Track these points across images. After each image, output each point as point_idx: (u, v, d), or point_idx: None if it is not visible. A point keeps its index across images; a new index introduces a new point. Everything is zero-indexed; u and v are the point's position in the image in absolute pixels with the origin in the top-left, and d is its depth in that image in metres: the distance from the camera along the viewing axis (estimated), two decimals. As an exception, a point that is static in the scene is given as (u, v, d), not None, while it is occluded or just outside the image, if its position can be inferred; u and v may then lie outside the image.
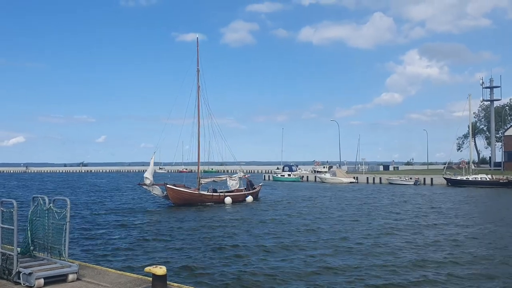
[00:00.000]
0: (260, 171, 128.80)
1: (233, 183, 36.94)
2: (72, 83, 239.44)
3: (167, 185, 32.09)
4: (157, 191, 32.29)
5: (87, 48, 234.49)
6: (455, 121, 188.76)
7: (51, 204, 8.74)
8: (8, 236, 8.35)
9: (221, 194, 34.67)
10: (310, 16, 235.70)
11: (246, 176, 39.88)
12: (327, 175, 72.42)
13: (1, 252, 8.22)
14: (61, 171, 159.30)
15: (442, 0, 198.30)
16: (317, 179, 75.04)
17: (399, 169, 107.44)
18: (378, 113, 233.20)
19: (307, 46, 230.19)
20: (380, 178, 70.66)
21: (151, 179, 31.57)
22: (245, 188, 37.57)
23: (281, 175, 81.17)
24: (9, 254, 8.10)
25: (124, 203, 34.88)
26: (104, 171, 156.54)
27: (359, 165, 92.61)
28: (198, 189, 34.17)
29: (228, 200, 34.12)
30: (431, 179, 64.74)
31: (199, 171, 36.46)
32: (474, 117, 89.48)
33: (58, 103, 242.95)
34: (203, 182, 35.68)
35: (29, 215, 9.00)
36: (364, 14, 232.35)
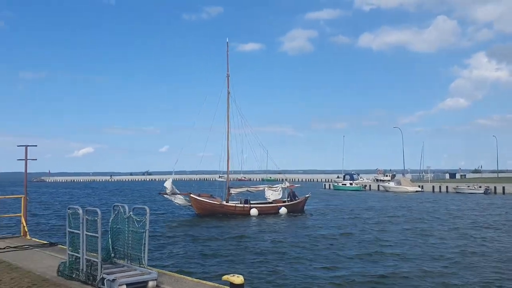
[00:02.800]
0: (319, 179, 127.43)
1: (272, 194, 34.59)
2: (138, 95, 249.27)
3: (191, 195, 31.80)
4: (179, 200, 31.75)
5: (151, 60, 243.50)
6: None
7: (131, 212, 8.99)
8: (91, 243, 8.68)
9: (245, 205, 32.66)
10: (370, 22, 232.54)
11: (293, 186, 37.39)
12: (391, 184, 70.45)
13: (86, 258, 8.54)
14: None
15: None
16: (380, 188, 73.20)
17: (466, 177, 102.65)
18: (443, 119, 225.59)
19: (367, 52, 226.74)
20: (447, 187, 67.85)
21: (171, 188, 31.22)
22: (289, 199, 34.92)
23: (342, 184, 79.82)
24: (93, 261, 8.40)
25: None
26: (167, 179, 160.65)
27: (424, 173, 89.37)
28: (227, 200, 33.21)
29: (254, 211, 32.12)
30: (503, 187, 61.33)
31: (228, 180, 35.37)
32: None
33: (125, 115, 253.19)
34: (233, 192, 34.21)
35: (110, 223, 9.31)
36: (427, 17, 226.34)
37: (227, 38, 37.65)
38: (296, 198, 35.44)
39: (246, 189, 35.44)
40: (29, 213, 32.61)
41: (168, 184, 31.39)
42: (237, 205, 32.62)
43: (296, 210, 34.47)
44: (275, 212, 33.28)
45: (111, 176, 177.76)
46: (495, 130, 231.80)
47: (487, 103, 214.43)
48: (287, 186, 35.88)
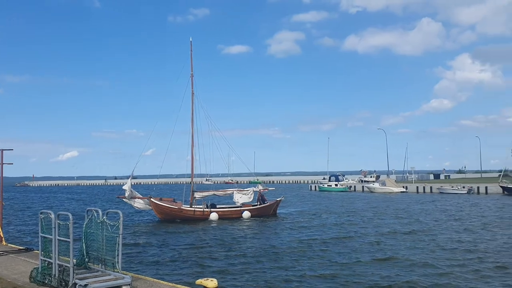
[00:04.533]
0: (306, 181, 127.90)
1: (241, 197, 33.09)
2: (123, 100, 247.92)
3: (151, 199, 30.96)
4: (139, 204, 30.70)
5: (135, 65, 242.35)
6: (510, 126, 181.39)
7: (104, 217, 8.90)
8: (64, 248, 8.57)
9: (205, 210, 31.22)
10: (356, 24, 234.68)
11: (266, 189, 35.43)
12: (376, 185, 70.91)
13: (58, 263, 8.43)
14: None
15: (493, 2, 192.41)
16: (365, 189, 73.68)
17: (450, 177, 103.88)
18: (427, 120, 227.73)
19: (352, 54, 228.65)
20: (431, 187, 68.51)
21: (130, 191, 30.32)
22: (258, 203, 33.64)
23: (327, 185, 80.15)
24: (66, 266, 8.30)
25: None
26: (152, 183, 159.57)
27: (408, 174, 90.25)
28: (191, 204, 32.07)
29: (213, 216, 30.81)
30: (486, 187, 62.03)
31: (193, 183, 33.48)
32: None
33: (110, 119, 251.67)
34: (197, 196, 32.63)
35: (83, 228, 9.20)
36: (412, 19, 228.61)
37: (191, 37, 35.81)
38: (265, 202, 34.05)
39: (212, 192, 34.01)
40: (9, 218, 32.31)
41: (127, 188, 30.39)
42: (195, 209, 31.34)
43: (265, 214, 33.23)
44: (238, 216, 31.95)
45: (105, 179, 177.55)
46: (479, 131, 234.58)
47: (471, 104, 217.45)
48: (260, 190, 34.36)
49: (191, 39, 35.48)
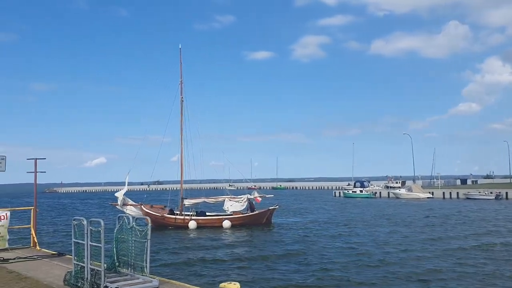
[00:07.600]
0: (330, 187, 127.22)
1: (232, 205, 31.95)
2: (147, 106, 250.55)
3: (142, 206, 31.12)
4: (131, 211, 30.28)
5: (162, 70, 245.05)
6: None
7: (134, 223, 9.35)
8: (95, 253, 9.05)
9: (186, 218, 30.94)
10: (382, 27, 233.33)
11: (263, 196, 34.38)
12: (402, 191, 70.28)
13: (90, 268, 8.90)
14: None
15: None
16: (391, 195, 73.01)
17: (478, 183, 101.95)
18: (455, 125, 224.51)
19: (379, 58, 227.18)
20: (458, 193, 67.59)
21: (122, 199, 30.72)
22: (249, 212, 32.58)
23: (352, 191, 79.71)
24: (98, 270, 8.76)
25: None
26: (178, 188, 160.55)
27: (434, 180, 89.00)
28: (181, 211, 31.75)
29: (192, 224, 30.35)
30: (515, 193, 60.87)
31: (182, 190, 33.12)
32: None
33: (135, 125, 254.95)
34: (187, 204, 32.03)
35: (114, 234, 9.67)
36: (439, 23, 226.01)
37: (180, 44, 36.44)
38: (254, 210, 32.73)
39: (203, 200, 33.05)
40: (40, 223, 33.25)
41: (119, 195, 30.94)
42: (176, 217, 31.26)
43: (255, 223, 31.80)
44: (219, 225, 30.85)
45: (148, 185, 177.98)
46: (508, 134, 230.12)
47: (499, 107, 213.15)
48: (255, 197, 32.84)
49: (180, 46, 36.05)
